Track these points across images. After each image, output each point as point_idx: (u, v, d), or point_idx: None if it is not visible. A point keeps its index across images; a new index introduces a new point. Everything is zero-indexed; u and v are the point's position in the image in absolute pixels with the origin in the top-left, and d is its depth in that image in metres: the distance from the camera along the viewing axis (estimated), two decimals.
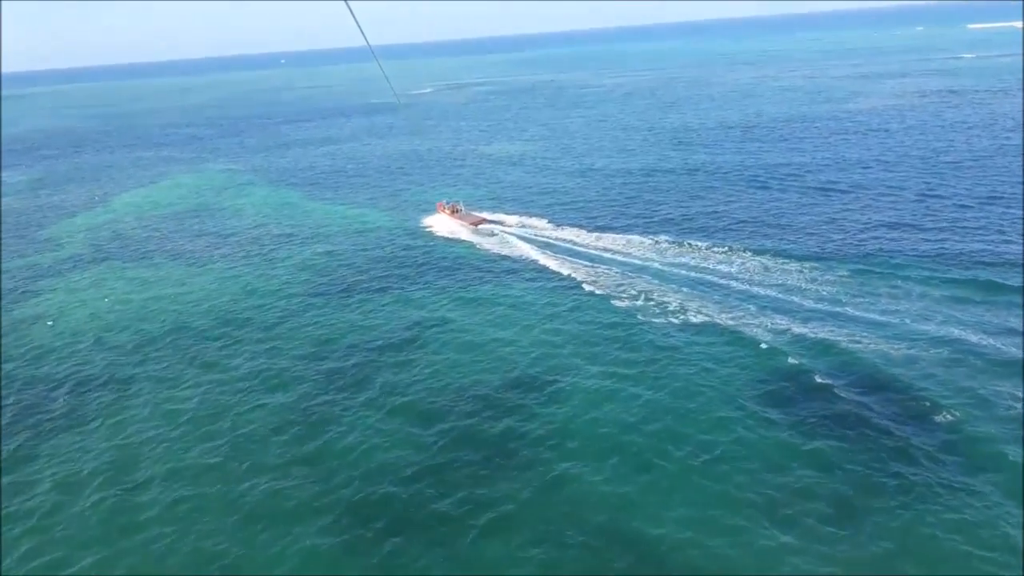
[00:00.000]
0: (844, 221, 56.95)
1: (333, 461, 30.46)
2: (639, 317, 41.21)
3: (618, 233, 57.30)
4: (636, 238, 55.41)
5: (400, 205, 75.95)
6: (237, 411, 35.16)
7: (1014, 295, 40.07)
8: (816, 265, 46.78)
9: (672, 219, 61.57)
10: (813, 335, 36.77)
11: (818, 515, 25.11)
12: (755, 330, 37.97)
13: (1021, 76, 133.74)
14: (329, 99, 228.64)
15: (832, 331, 37.12)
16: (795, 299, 41.58)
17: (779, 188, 69.39)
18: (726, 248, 51.39)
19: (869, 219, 56.88)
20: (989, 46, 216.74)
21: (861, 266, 46.07)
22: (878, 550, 23.41)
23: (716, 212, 62.67)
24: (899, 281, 43.20)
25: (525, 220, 64.12)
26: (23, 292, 56.43)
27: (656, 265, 49.05)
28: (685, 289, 44.49)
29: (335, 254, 59.96)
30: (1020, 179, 64.02)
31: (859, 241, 51.68)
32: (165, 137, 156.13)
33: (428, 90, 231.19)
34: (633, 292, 44.67)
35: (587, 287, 46.40)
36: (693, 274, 46.91)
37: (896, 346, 35.22)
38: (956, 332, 35.93)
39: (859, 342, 35.77)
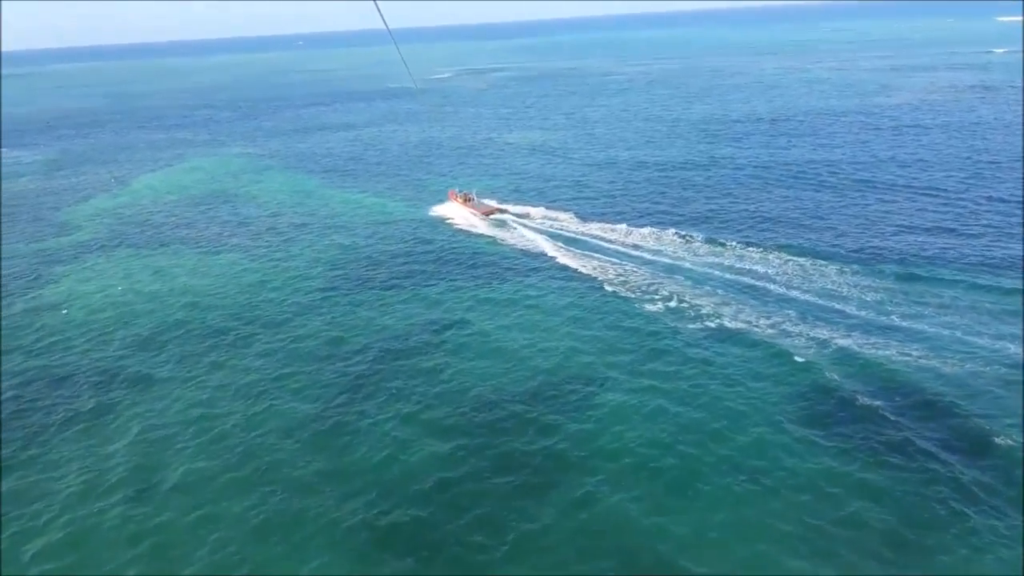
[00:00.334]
0: (883, 222, 54.51)
1: (350, 473, 29.01)
2: (670, 323, 39.28)
3: (646, 228, 55.15)
4: (666, 235, 53.28)
5: (419, 195, 74.12)
6: (250, 414, 33.77)
7: None
8: (857, 269, 44.59)
9: (703, 215, 59.36)
10: (857, 347, 34.72)
11: (868, 551, 23.39)
12: (796, 340, 35.98)
13: None
14: (347, 82, 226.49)
15: (878, 344, 35.05)
16: (836, 306, 39.50)
17: (812, 185, 66.87)
18: (761, 248, 49.28)
19: (909, 221, 54.42)
20: (1019, 40, 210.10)
21: (904, 271, 43.90)
22: None
23: (748, 209, 60.38)
24: (945, 288, 41.12)
25: (548, 213, 62.08)
26: (37, 278, 55.41)
27: (688, 264, 47.04)
28: (720, 292, 42.47)
29: (351, 246, 58.34)
30: None
31: (900, 244, 49.32)
32: (181, 119, 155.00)
33: (446, 75, 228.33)
34: (664, 294, 42.73)
35: (613, 287, 44.51)
36: (728, 275, 44.82)
37: (948, 361, 33.16)
38: (1012, 348, 33.78)
39: (908, 355, 33.75)
